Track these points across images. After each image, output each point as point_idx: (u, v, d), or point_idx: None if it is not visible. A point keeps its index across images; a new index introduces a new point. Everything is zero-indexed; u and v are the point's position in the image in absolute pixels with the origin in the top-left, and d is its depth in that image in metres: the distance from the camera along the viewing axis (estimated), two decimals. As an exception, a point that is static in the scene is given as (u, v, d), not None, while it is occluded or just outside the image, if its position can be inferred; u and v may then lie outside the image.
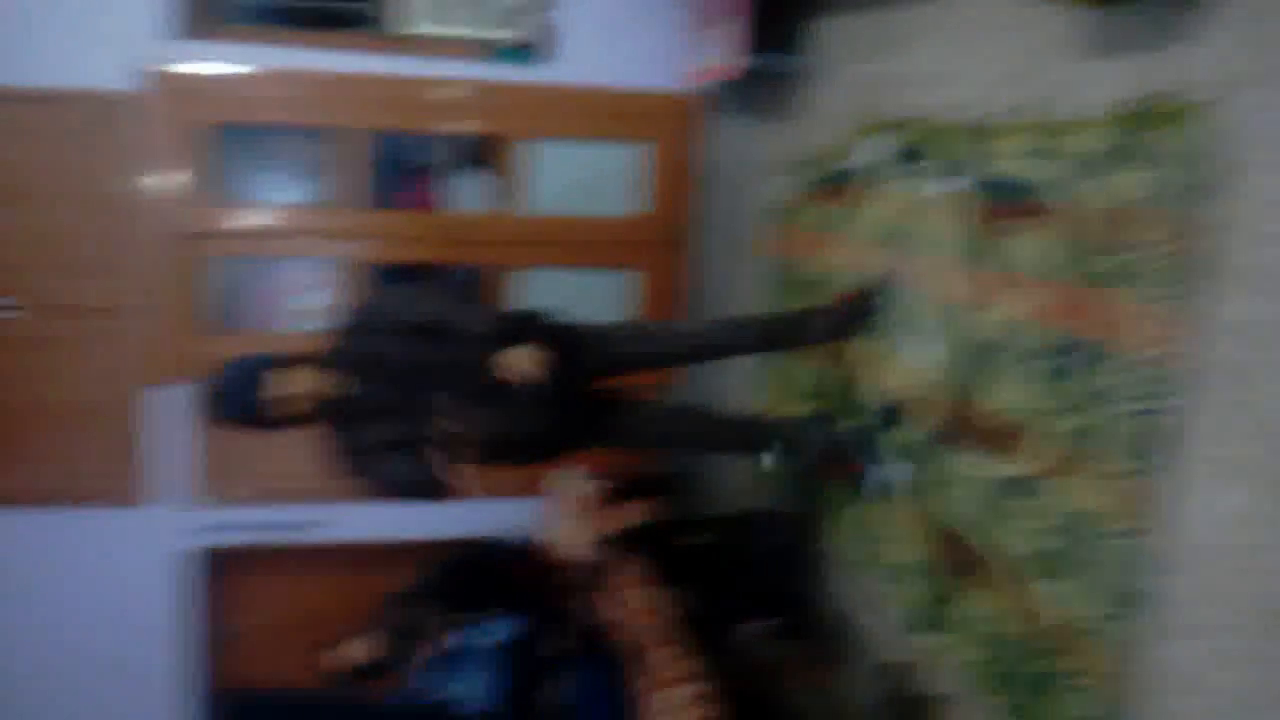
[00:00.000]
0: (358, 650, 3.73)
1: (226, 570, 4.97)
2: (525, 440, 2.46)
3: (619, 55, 4.37)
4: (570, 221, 4.50)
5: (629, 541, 3.19)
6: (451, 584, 3.86)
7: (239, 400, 2.35)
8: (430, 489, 2.47)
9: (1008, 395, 2.29)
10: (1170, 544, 1.82)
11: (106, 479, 4.45)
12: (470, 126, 4.40)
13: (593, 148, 4.49)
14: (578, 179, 4.49)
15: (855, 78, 3.26)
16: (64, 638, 4.57)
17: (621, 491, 3.60)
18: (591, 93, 4.37)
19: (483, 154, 4.65)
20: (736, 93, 4.38)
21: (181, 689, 4.76)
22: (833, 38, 3.44)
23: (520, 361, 2.34)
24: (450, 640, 3.66)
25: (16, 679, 4.58)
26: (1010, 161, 2.31)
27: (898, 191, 2.87)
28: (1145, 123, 1.88)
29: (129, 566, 4.54)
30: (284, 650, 5.00)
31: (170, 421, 4.41)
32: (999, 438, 2.31)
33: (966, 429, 2.45)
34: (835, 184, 3.32)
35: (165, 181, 4.13)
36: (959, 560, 2.46)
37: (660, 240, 4.57)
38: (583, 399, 2.74)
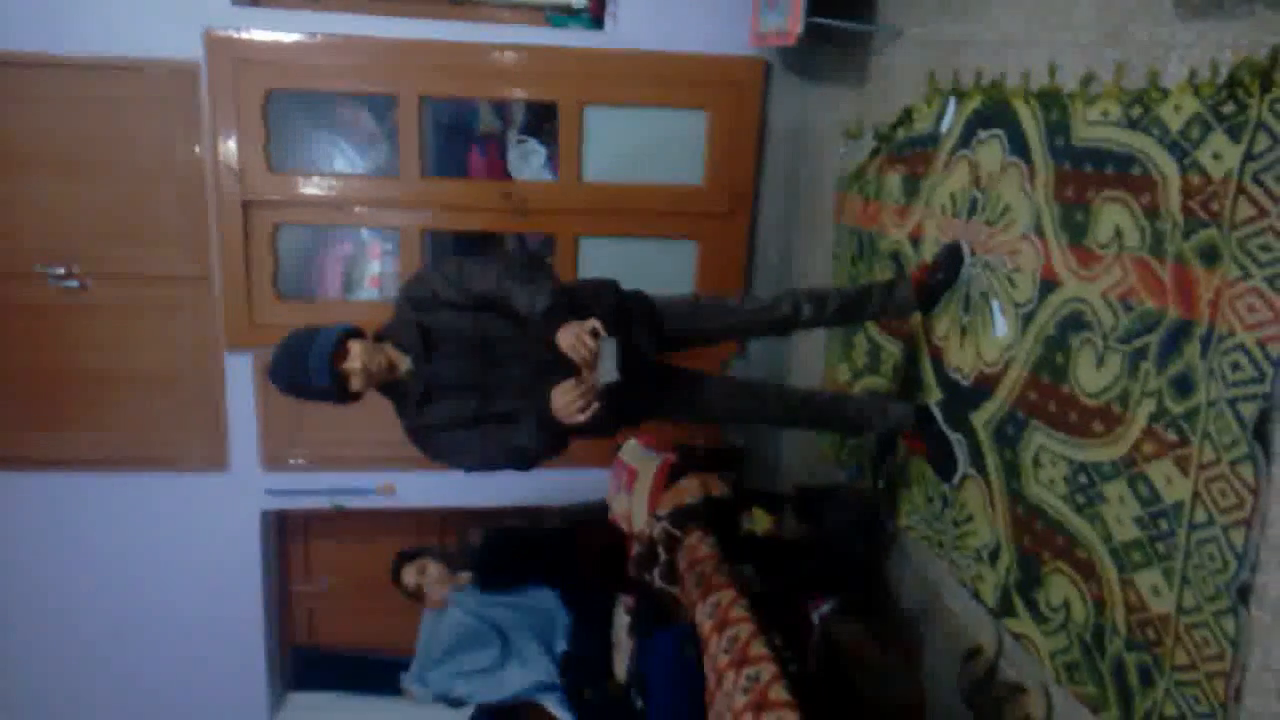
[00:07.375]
0: (411, 575, 3.81)
1: (295, 533, 5.08)
2: (594, 414, 2.42)
3: (678, 20, 4.29)
4: (631, 189, 4.46)
5: (697, 516, 3.17)
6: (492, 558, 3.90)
7: (305, 372, 2.35)
8: (514, 457, 2.48)
9: (1090, 375, 2.21)
10: (1272, 538, 1.72)
11: (183, 445, 4.57)
12: (529, 93, 4.37)
13: (654, 114, 4.43)
14: (638, 146, 4.44)
15: (926, 41, 3.16)
16: (152, 596, 4.74)
17: (689, 465, 3.58)
18: (651, 58, 4.31)
19: (543, 121, 4.62)
20: (800, 57, 4.29)
21: (261, 644, 4.93)
22: (902, -1, 3.34)
23: (575, 338, 2.32)
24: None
25: (98, 635, 4.77)
26: (1092, 130, 2.22)
27: (971, 160, 2.79)
28: (1240, 89, 1.78)
29: (209, 528, 4.67)
30: (350, 610, 5.14)
31: (240, 388, 4.50)
32: (1083, 419, 2.23)
33: (1047, 409, 2.38)
34: (906, 151, 3.24)
35: (229, 150, 4.18)
36: (1043, 545, 2.39)
37: (722, 208, 4.52)
38: (650, 370, 2.71)
